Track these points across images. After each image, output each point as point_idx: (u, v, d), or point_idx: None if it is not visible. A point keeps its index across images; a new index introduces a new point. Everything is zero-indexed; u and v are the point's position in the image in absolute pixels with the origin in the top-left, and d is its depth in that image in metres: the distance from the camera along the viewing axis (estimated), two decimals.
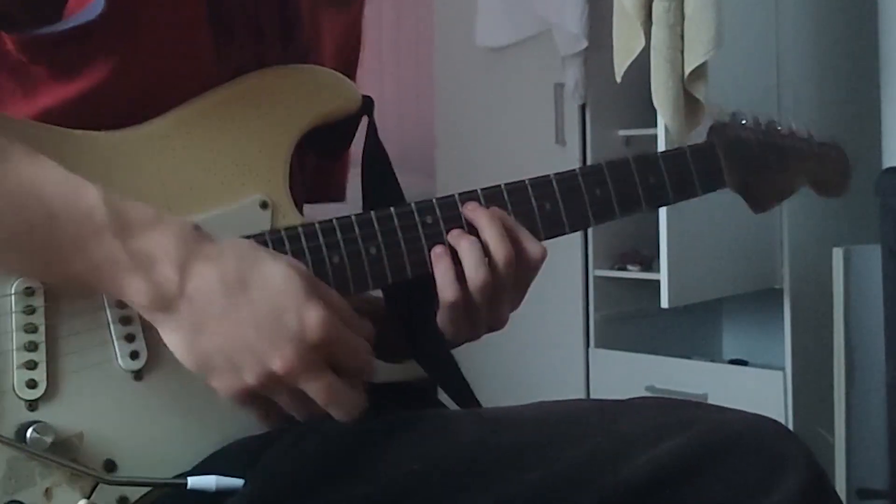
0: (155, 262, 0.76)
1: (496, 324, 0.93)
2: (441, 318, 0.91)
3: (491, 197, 0.92)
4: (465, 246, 0.89)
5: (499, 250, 0.89)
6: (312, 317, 0.77)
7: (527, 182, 0.94)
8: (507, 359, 2.96)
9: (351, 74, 1.06)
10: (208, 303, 0.76)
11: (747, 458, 0.75)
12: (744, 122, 1.06)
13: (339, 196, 1.11)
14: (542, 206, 0.93)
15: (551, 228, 0.94)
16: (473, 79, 3.03)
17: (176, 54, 0.88)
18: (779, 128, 1.09)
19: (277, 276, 0.78)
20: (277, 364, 0.76)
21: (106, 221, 0.76)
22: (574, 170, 0.96)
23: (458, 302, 0.89)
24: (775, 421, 0.79)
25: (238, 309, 0.76)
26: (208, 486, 0.78)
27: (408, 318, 0.95)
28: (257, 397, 0.79)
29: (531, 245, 0.91)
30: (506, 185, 0.93)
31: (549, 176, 0.95)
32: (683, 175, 1.00)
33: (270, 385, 0.77)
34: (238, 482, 0.78)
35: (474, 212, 0.90)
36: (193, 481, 0.78)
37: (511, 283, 0.90)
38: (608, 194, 0.96)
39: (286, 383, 0.77)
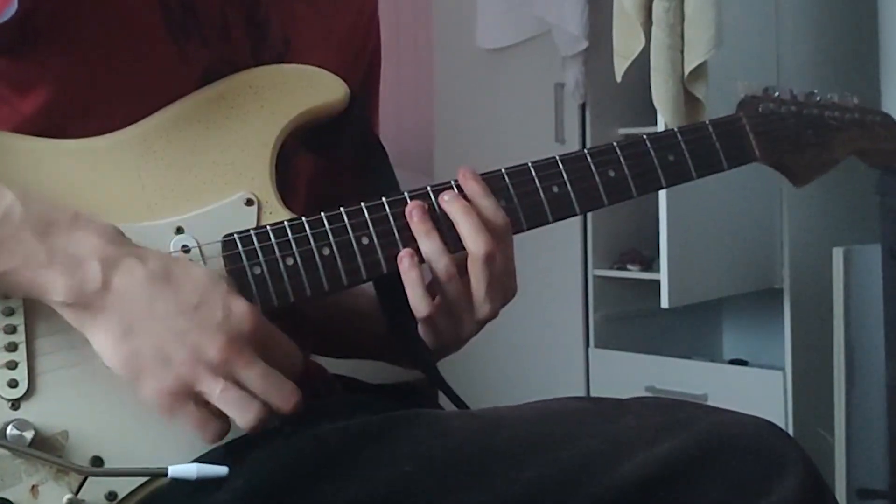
0: (78, 259, 0.75)
1: (487, 315, 0.92)
2: (421, 330, 0.90)
3: (491, 180, 0.91)
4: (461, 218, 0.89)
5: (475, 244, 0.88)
6: (239, 308, 0.77)
7: (529, 165, 0.93)
8: (507, 359, 2.95)
9: (355, 71, 1.05)
10: (134, 297, 0.76)
11: (744, 460, 0.75)
12: (777, 94, 1.04)
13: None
14: (548, 189, 0.92)
15: (560, 210, 0.93)
16: (473, 79, 3.03)
17: (133, 61, 0.87)
18: (818, 98, 1.06)
19: (200, 272, 0.78)
20: (211, 352, 0.75)
21: (25, 221, 0.75)
22: (582, 150, 0.94)
23: (432, 315, 0.89)
24: (772, 423, 0.79)
25: (166, 301, 0.76)
26: (189, 474, 0.77)
27: (397, 313, 0.93)
28: (191, 400, 0.77)
29: (494, 217, 0.90)
30: (507, 168, 0.92)
31: (554, 157, 0.93)
32: (706, 150, 0.98)
33: (205, 377, 0.76)
34: (222, 469, 0.77)
35: (450, 204, 0.89)
36: (174, 470, 0.77)
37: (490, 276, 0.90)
38: (623, 174, 0.95)
39: (221, 373, 0.76)
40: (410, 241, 0.88)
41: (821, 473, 0.76)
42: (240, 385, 0.77)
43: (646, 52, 2.08)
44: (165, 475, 0.78)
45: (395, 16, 3.81)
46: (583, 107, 2.79)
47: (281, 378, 0.78)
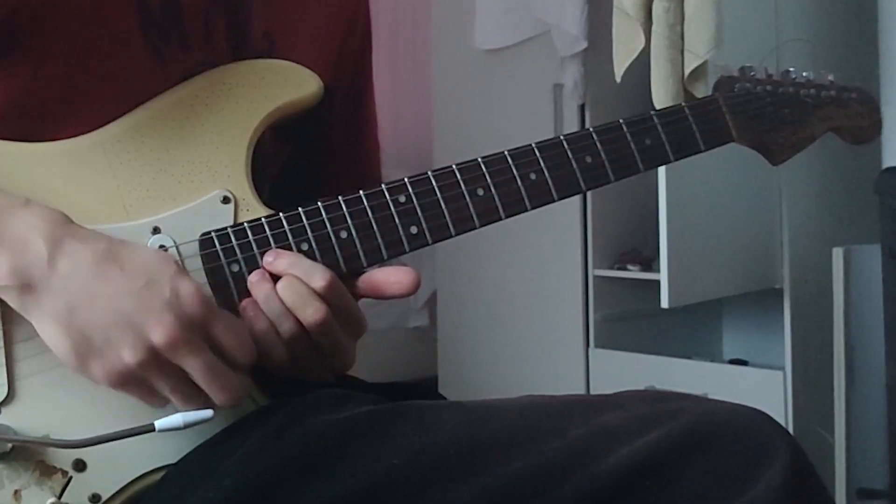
0: (24, 241, 0.75)
1: (345, 364, 0.88)
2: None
3: (468, 170, 0.91)
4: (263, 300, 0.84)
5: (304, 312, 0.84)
6: (187, 289, 0.76)
7: (506, 153, 0.92)
8: (507, 359, 2.95)
9: (341, 65, 1.04)
10: (80, 278, 0.75)
11: (730, 448, 0.75)
12: (753, 74, 1.03)
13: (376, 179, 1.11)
14: (525, 177, 0.92)
15: (538, 198, 0.93)
16: (472, 80, 3.03)
17: (107, 69, 0.87)
18: (793, 77, 1.06)
19: (147, 252, 0.78)
20: (157, 334, 0.75)
21: None
22: (558, 137, 0.94)
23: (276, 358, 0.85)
24: (760, 411, 0.79)
25: (112, 282, 0.75)
26: (175, 423, 0.77)
27: None
28: (136, 381, 0.77)
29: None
30: (483, 157, 0.92)
31: (530, 145, 0.93)
32: (683, 132, 0.98)
33: (150, 362, 0.75)
34: (207, 413, 0.77)
35: (273, 265, 0.85)
36: (161, 423, 0.77)
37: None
38: (600, 159, 0.94)
39: (165, 358, 0.76)
40: (389, 232, 0.88)
41: (810, 459, 0.76)
42: (183, 371, 0.77)
43: (646, 52, 2.08)
44: (153, 430, 0.77)
45: (395, 16, 3.81)
46: (582, 107, 2.79)
47: (226, 371, 0.78)
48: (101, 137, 0.86)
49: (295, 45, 0.97)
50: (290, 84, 0.92)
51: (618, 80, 2.16)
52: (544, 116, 2.83)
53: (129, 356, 0.75)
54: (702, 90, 2.05)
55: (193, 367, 0.77)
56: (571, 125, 2.79)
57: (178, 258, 0.82)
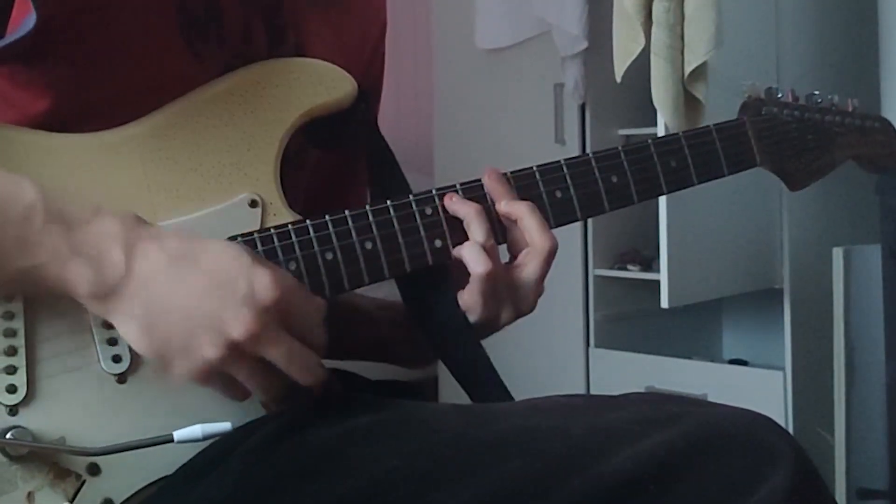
0: (99, 249, 0.75)
1: (524, 305, 0.93)
2: (470, 297, 0.90)
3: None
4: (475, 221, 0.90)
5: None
6: (263, 279, 0.76)
7: (535, 169, 0.92)
8: (507, 359, 2.95)
9: (360, 71, 1.05)
10: (157, 280, 0.76)
11: (734, 454, 0.74)
12: (780, 96, 1.03)
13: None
14: (551, 194, 0.92)
15: (562, 216, 0.93)
16: (473, 79, 3.02)
17: (146, 62, 0.87)
18: (819, 101, 1.06)
19: (220, 248, 0.78)
20: (236, 329, 0.75)
21: (48, 217, 0.75)
22: (587, 154, 0.93)
23: (490, 273, 0.89)
24: (764, 416, 0.78)
25: (188, 282, 0.76)
26: (194, 435, 0.77)
27: (429, 311, 0.93)
28: (220, 376, 0.78)
29: (539, 237, 0.91)
30: (512, 172, 0.92)
31: (559, 162, 0.92)
32: (709, 156, 0.98)
33: (231, 356, 0.76)
34: (225, 426, 0.78)
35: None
36: (179, 434, 0.77)
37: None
38: (626, 180, 0.94)
39: (246, 351, 0.76)
40: (414, 245, 0.88)
41: (814, 465, 0.76)
42: (265, 360, 0.77)
43: (646, 52, 2.08)
44: (172, 440, 0.77)
45: (395, 16, 3.81)
46: (582, 107, 2.79)
47: (305, 352, 0.79)
48: (134, 132, 0.86)
49: (320, 58, 0.96)
50: (325, 85, 0.91)
51: (618, 79, 2.16)
52: (545, 116, 2.83)
53: (210, 353, 0.76)
54: (702, 91, 2.05)
55: (275, 355, 0.77)
56: (572, 125, 2.79)
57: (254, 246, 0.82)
